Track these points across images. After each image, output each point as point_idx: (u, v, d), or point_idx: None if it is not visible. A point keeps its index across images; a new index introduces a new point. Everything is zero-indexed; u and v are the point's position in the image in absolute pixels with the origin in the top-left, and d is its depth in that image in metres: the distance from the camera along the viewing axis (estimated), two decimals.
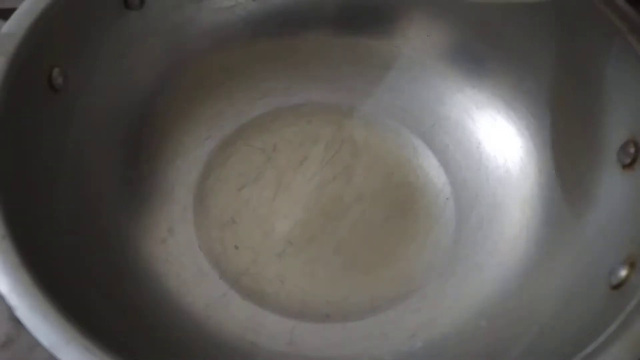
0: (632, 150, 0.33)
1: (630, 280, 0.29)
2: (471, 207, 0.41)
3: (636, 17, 0.34)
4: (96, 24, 0.37)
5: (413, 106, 0.44)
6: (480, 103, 0.43)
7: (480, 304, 0.36)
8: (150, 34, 0.41)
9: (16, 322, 0.27)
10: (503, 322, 0.34)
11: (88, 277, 0.32)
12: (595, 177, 0.35)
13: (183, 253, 0.38)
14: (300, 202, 0.40)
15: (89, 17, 0.36)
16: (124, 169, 0.39)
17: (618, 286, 0.29)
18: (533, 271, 0.36)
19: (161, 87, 0.42)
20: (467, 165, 0.42)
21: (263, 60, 0.45)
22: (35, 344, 0.24)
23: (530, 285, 0.36)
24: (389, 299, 0.37)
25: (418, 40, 0.45)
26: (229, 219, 0.39)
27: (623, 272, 0.29)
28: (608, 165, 0.34)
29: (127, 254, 0.36)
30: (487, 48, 0.42)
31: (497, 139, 0.42)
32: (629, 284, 0.29)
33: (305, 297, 0.36)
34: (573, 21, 0.37)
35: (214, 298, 0.36)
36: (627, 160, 0.33)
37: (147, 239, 0.38)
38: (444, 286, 0.38)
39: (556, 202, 0.38)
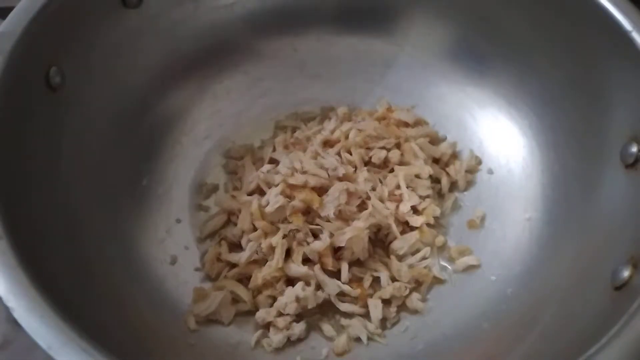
0: (635, 150, 0.32)
1: (633, 281, 0.29)
2: (473, 207, 0.41)
3: None
4: (94, 22, 0.37)
5: (414, 105, 0.44)
6: (481, 102, 0.43)
7: (482, 306, 0.36)
8: (148, 33, 0.40)
9: (14, 323, 0.27)
10: (505, 324, 0.34)
11: (86, 278, 0.32)
12: (598, 177, 0.35)
13: (182, 254, 0.38)
14: None
15: (87, 15, 0.36)
16: (122, 169, 0.39)
17: (621, 287, 0.29)
18: (535, 272, 0.36)
19: (159, 86, 0.42)
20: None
21: (262, 58, 0.45)
22: (33, 345, 0.24)
23: (532, 286, 0.35)
24: None
25: (419, 39, 0.44)
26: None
27: (626, 273, 0.29)
28: (611, 165, 0.34)
29: (126, 254, 0.36)
30: (489, 46, 0.42)
31: (499, 138, 0.42)
32: (632, 284, 0.29)
33: None
34: (576, 20, 0.36)
35: None
36: (630, 160, 0.32)
37: (145, 240, 0.38)
38: (445, 288, 0.38)
39: (559, 202, 0.38)
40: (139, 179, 0.40)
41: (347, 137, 0.41)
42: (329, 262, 0.36)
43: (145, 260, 0.37)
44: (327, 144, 0.41)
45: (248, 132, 0.44)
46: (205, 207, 0.40)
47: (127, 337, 0.31)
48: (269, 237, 0.36)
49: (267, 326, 0.35)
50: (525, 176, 0.40)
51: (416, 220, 0.38)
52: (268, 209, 0.36)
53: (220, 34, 0.44)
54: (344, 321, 0.36)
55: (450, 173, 0.41)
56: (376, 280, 0.37)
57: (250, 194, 0.39)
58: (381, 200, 0.38)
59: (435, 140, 0.43)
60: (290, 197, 0.37)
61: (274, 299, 0.36)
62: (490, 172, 0.42)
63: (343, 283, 0.36)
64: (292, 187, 0.37)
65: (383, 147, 0.41)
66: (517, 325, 0.34)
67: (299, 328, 0.35)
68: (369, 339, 0.35)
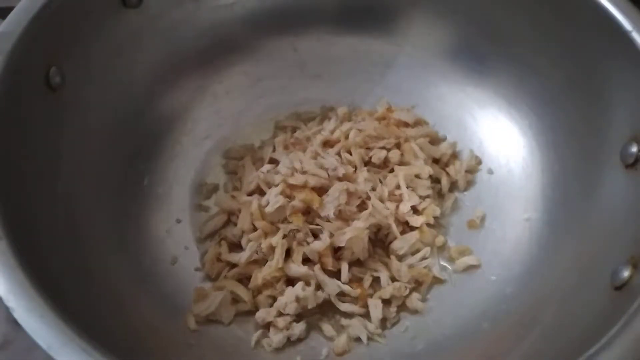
0: (634, 150, 0.32)
1: (633, 281, 0.29)
2: (473, 207, 0.40)
3: None
4: (94, 22, 0.37)
5: (414, 105, 0.44)
6: (481, 102, 0.43)
7: (482, 306, 0.36)
8: (148, 33, 0.40)
9: (14, 323, 0.27)
10: (505, 324, 0.34)
11: (86, 278, 0.32)
12: (598, 177, 0.35)
13: (182, 254, 0.38)
14: None
15: (87, 15, 0.36)
16: (122, 169, 0.39)
17: (621, 287, 0.29)
18: (535, 272, 0.36)
19: (159, 86, 0.42)
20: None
21: (262, 59, 0.45)
22: (33, 345, 0.24)
23: (532, 286, 0.35)
24: None
25: (419, 39, 0.44)
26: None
27: (626, 273, 0.29)
28: (611, 165, 0.34)
29: (126, 255, 0.36)
30: (488, 47, 0.42)
31: (499, 138, 0.42)
32: (632, 284, 0.29)
33: None
34: (576, 20, 0.36)
35: None
36: (630, 160, 0.32)
37: (145, 240, 0.38)
38: (445, 288, 0.38)
39: (559, 202, 0.38)
40: (139, 179, 0.40)
41: (347, 137, 0.41)
42: (329, 262, 0.36)
43: (145, 260, 0.37)
44: (327, 144, 0.41)
45: (248, 132, 0.44)
46: (205, 207, 0.40)
47: (127, 337, 0.31)
48: (269, 237, 0.36)
49: (267, 326, 0.35)
50: (525, 176, 0.40)
51: (416, 220, 0.38)
52: (268, 209, 0.36)
53: (220, 34, 0.44)
54: (344, 321, 0.36)
55: (450, 173, 0.41)
56: (376, 280, 0.37)
57: (250, 194, 0.39)
58: (381, 200, 0.38)
59: (435, 140, 0.43)
60: (290, 197, 0.37)
61: (274, 299, 0.36)
62: (490, 172, 0.42)
63: (343, 283, 0.36)
64: (292, 187, 0.37)
65: (383, 147, 0.41)
66: (517, 325, 0.34)
67: (299, 328, 0.35)
68: (369, 339, 0.35)
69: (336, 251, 0.37)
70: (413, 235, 0.38)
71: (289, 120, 0.44)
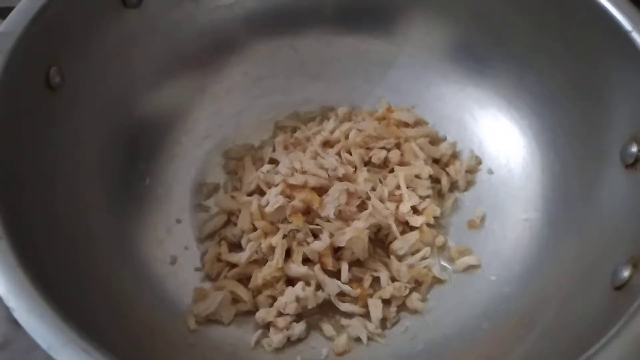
0: (634, 149, 0.32)
1: (633, 281, 0.29)
2: (473, 207, 0.41)
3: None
4: (94, 22, 0.37)
5: (414, 105, 0.44)
6: (481, 102, 0.43)
7: (482, 306, 0.36)
8: (148, 33, 0.40)
9: (14, 323, 0.27)
10: (505, 324, 0.34)
11: (86, 278, 0.32)
12: (598, 177, 0.35)
13: (182, 254, 0.38)
14: None
15: (87, 15, 0.36)
16: (122, 169, 0.39)
17: (621, 287, 0.29)
18: (535, 272, 0.36)
19: (159, 86, 0.42)
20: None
21: (262, 58, 0.45)
22: (33, 345, 0.24)
23: (532, 286, 0.35)
24: None
25: (419, 39, 0.44)
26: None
27: (626, 273, 0.29)
28: (611, 165, 0.34)
29: (126, 255, 0.36)
30: (488, 47, 0.42)
31: (499, 138, 0.42)
32: (632, 284, 0.29)
33: None
34: (576, 20, 0.36)
35: None
36: (630, 160, 0.32)
37: (145, 240, 0.38)
38: (445, 288, 0.38)
39: (559, 202, 0.38)
40: (140, 179, 0.40)
41: (347, 137, 0.41)
42: (329, 262, 0.36)
43: (145, 260, 0.37)
44: (327, 144, 0.41)
45: (248, 132, 0.44)
46: (205, 207, 0.40)
47: (127, 337, 0.31)
48: (269, 237, 0.36)
49: (267, 326, 0.35)
50: (525, 176, 0.40)
51: (416, 220, 0.38)
52: (268, 209, 0.36)
53: (220, 34, 0.44)
54: (344, 321, 0.36)
55: (450, 173, 0.41)
56: (376, 280, 0.37)
57: (250, 194, 0.39)
58: (381, 200, 0.38)
59: (435, 140, 0.43)
60: (290, 197, 0.37)
61: (274, 299, 0.36)
62: (490, 172, 0.42)
63: (343, 283, 0.36)
64: (292, 187, 0.37)
65: (383, 147, 0.41)
66: (517, 325, 0.34)
67: (299, 328, 0.35)
68: (369, 339, 0.35)
69: (336, 251, 0.37)
70: (413, 235, 0.38)
71: (289, 120, 0.44)
